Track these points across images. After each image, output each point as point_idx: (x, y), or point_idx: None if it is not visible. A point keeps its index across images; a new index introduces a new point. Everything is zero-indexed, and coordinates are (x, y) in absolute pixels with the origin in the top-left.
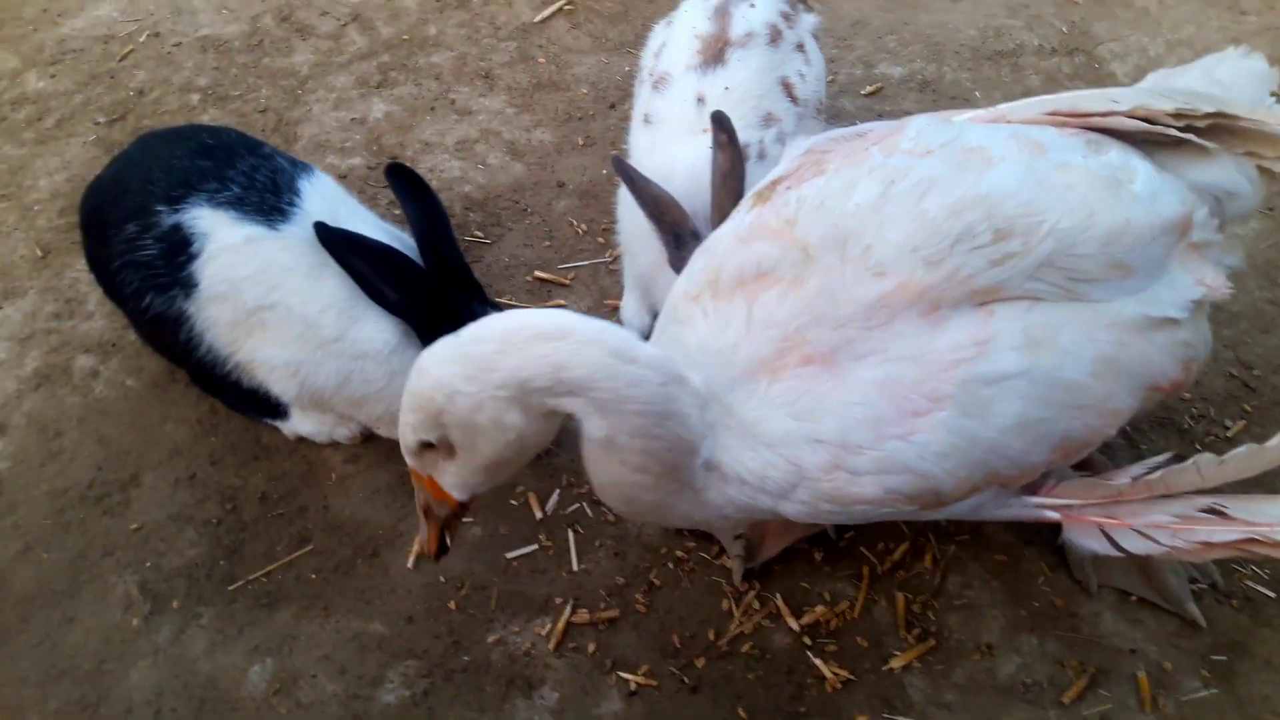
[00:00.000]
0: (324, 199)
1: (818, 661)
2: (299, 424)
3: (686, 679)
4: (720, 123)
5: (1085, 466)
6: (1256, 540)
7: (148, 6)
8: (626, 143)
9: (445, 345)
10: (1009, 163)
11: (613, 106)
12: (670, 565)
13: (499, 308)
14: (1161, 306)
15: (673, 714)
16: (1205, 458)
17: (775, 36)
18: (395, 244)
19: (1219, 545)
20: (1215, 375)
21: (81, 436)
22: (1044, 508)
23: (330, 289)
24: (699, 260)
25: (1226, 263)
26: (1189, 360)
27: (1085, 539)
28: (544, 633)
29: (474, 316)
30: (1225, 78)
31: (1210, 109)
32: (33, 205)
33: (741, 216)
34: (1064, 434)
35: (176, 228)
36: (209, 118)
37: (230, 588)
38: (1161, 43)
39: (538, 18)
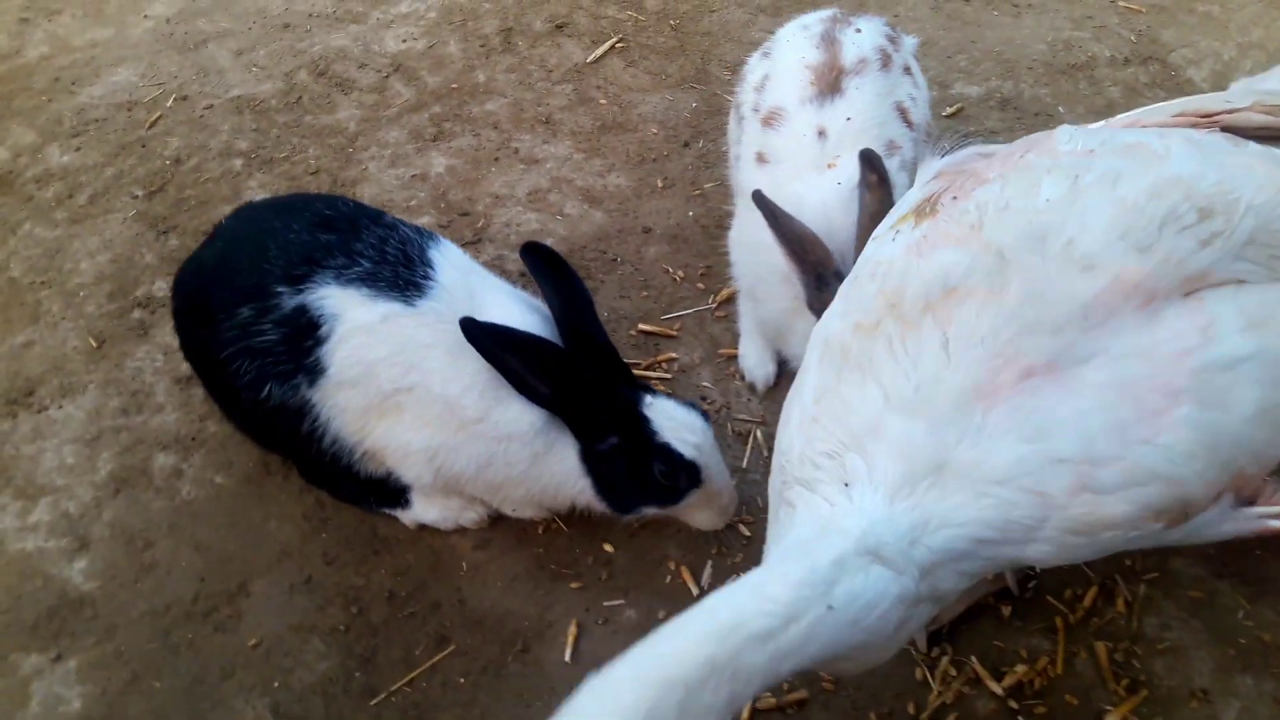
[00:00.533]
0: (456, 269)
1: None
2: (421, 512)
3: None
4: (870, 162)
5: None
6: None
7: (169, 69)
8: (735, 182)
9: None
10: (1181, 151)
11: (686, 145)
12: None
13: (649, 390)
14: None
15: None
16: None
17: (886, 61)
18: (531, 313)
19: None
20: None
21: (175, 544)
22: (1269, 517)
23: (472, 367)
24: (867, 284)
25: None
26: None
27: None
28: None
29: (623, 402)
30: None
31: None
32: (77, 291)
33: (908, 233)
34: None
35: (301, 310)
36: (255, 184)
37: (372, 702)
38: (1233, 46)
39: (590, 58)
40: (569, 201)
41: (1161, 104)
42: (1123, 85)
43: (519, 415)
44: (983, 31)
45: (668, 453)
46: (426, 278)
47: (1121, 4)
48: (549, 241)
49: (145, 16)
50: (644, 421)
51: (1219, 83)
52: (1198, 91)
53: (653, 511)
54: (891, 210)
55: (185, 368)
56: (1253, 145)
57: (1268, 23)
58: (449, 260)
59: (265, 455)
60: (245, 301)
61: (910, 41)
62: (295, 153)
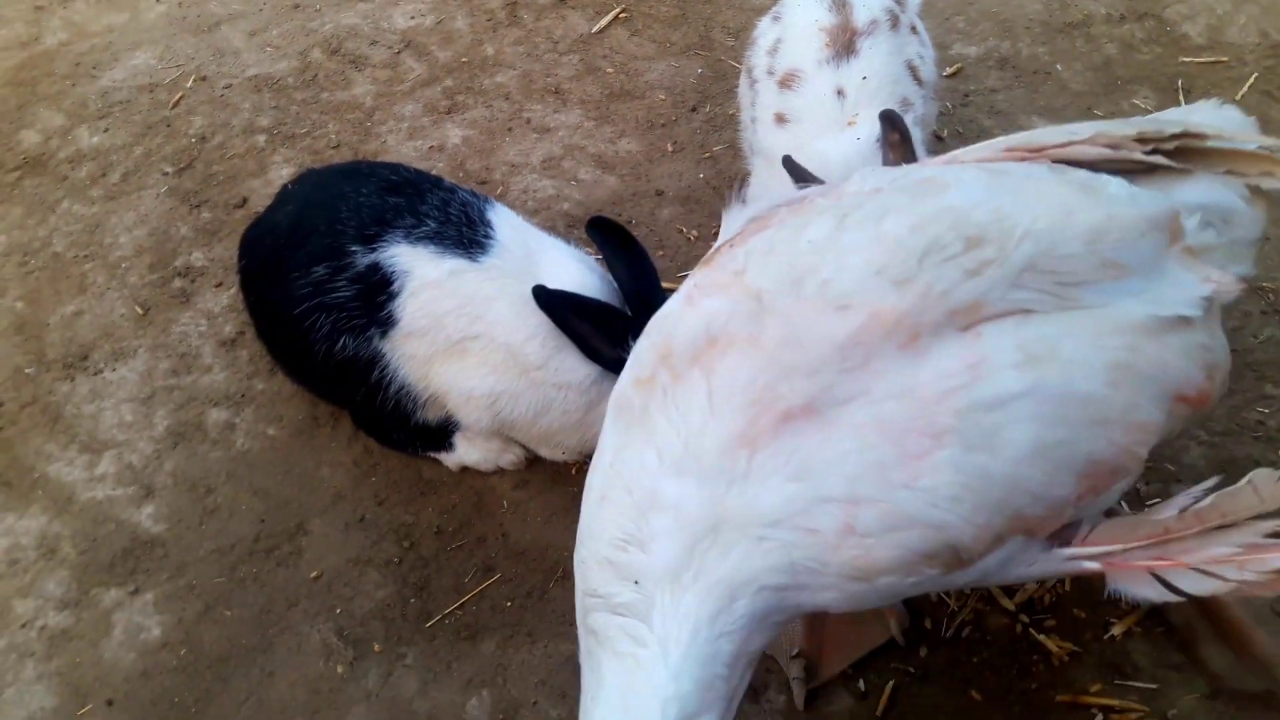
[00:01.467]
0: (514, 229)
1: (1040, 637)
2: (464, 454)
3: (914, 669)
4: (893, 121)
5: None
6: None
7: (186, 51)
8: (750, 141)
9: None
10: (969, 181)
11: (694, 109)
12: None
13: None
14: (1169, 305)
15: (906, 705)
16: (1263, 474)
17: (894, 22)
18: (588, 271)
19: None
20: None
21: (234, 490)
22: (1080, 559)
23: (535, 319)
24: (644, 339)
25: (1234, 270)
26: (1211, 366)
27: (1135, 587)
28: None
29: None
30: (1200, 119)
31: (1175, 130)
32: (119, 263)
33: (687, 284)
34: (1088, 456)
35: (374, 267)
36: (280, 158)
37: (428, 624)
38: (1227, 1)
39: (595, 28)
40: (582, 168)
41: (990, 141)
42: (1119, 42)
43: (577, 365)
44: None
45: None
46: (488, 237)
47: None
48: (564, 206)
49: (157, 1)
50: None
51: (1215, 37)
52: (1193, 45)
53: None
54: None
55: (229, 330)
56: (1073, 173)
57: None
58: (505, 221)
59: (314, 409)
60: (320, 260)
61: (914, 1)
62: (316, 128)
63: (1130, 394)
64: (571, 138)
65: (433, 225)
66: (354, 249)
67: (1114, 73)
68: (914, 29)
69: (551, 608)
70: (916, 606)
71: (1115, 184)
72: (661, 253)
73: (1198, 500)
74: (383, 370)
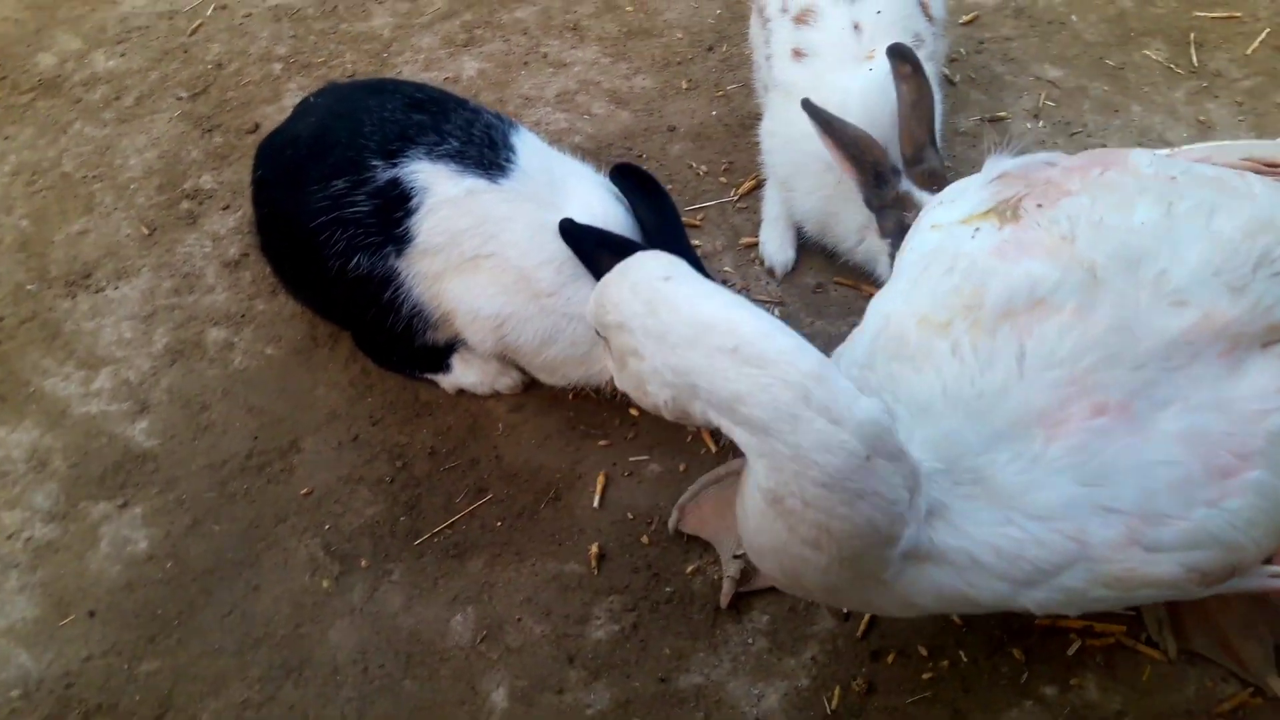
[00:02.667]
0: (538, 155)
1: None
2: (460, 375)
3: None
4: (903, 54)
5: None
6: None
7: None
8: (765, 79)
9: (641, 284)
10: (1267, 193)
11: (710, 49)
12: None
13: None
14: None
15: (887, 625)
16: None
17: None
18: (614, 201)
19: None
20: None
21: (229, 408)
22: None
23: (552, 245)
24: (939, 278)
25: None
26: None
27: None
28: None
29: None
30: None
31: None
32: (128, 184)
33: (990, 233)
34: None
35: (394, 182)
36: (295, 85)
37: (416, 542)
38: None
39: None
40: (596, 103)
41: (1228, 143)
42: None
43: (590, 295)
44: None
45: None
46: (509, 160)
47: None
48: (576, 139)
49: None
50: None
51: None
52: (1207, 1)
53: None
54: (950, 202)
55: (234, 252)
56: None
57: None
58: (530, 147)
59: (313, 329)
60: (341, 174)
61: None
62: (332, 58)
63: None
64: (587, 73)
65: (455, 144)
66: (375, 163)
67: (1128, 25)
68: None
69: (541, 528)
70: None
71: None
72: (671, 186)
73: None
74: (396, 289)
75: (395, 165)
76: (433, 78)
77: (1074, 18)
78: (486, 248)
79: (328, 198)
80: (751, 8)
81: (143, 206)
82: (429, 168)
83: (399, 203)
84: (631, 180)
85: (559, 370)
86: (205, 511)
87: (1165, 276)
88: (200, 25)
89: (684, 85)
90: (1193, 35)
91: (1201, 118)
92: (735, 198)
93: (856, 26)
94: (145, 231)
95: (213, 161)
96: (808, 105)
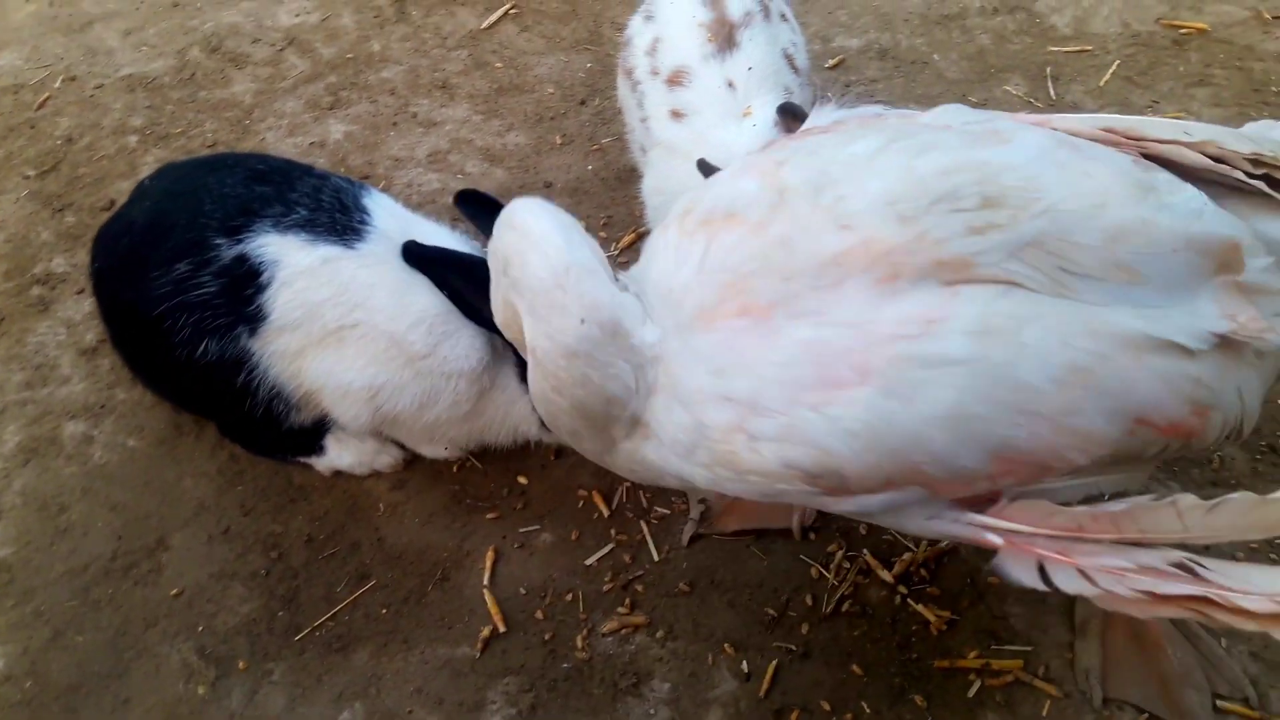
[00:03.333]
0: (392, 215)
1: (919, 607)
2: (337, 457)
3: (795, 647)
4: (792, 112)
5: None
6: (1211, 601)
7: (55, 51)
8: (642, 140)
9: (505, 219)
10: (1029, 144)
11: (582, 103)
12: (748, 546)
13: None
14: (1167, 328)
15: (789, 684)
16: (1188, 500)
17: (766, 11)
18: (471, 252)
19: (1166, 599)
20: None
21: (90, 508)
22: (985, 528)
23: (420, 304)
24: (686, 195)
25: None
26: (1201, 404)
27: (1016, 569)
28: (641, 625)
29: None
30: None
31: None
32: None
33: (741, 159)
34: (1003, 439)
35: (241, 259)
36: (152, 159)
37: (297, 638)
38: None
39: (484, 24)
40: (469, 161)
41: (1096, 115)
42: (991, 33)
43: (468, 350)
44: None
45: None
46: (363, 223)
47: None
48: (449, 201)
49: (26, 0)
50: None
51: (1080, 27)
52: (1060, 36)
53: None
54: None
55: (90, 339)
56: (1147, 171)
57: None
58: (383, 208)
59: (177, 417)
60: (183, 256)
61: None
62: (191, 127)
63: (1075, 398)
64: (459, 131)
65: (304, 212)
66: (219, 241)
67: (987, 62)
68: (784, 16)
69: (429, 612)
70: (796, 584)
71: (1186, 195)
72: None
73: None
74: (250, 372)
75: (240, 241)
76: (298, 143)
77: (936, 57)
78: (351, 317)
79: (170, 282)
80: (619, 70)
81: None
82: (278, 240)
83: (248, 279)
84: (475, 205)
85: (442, 433)
86: (67, 622)
87: (841, 201)
88: (48, 98)
89: (558, 140)
90: (1049, 69)
91: None
92: (615, 252)
93: (730, 84)
94: None
95: (65, 243)
96: (702, 164)
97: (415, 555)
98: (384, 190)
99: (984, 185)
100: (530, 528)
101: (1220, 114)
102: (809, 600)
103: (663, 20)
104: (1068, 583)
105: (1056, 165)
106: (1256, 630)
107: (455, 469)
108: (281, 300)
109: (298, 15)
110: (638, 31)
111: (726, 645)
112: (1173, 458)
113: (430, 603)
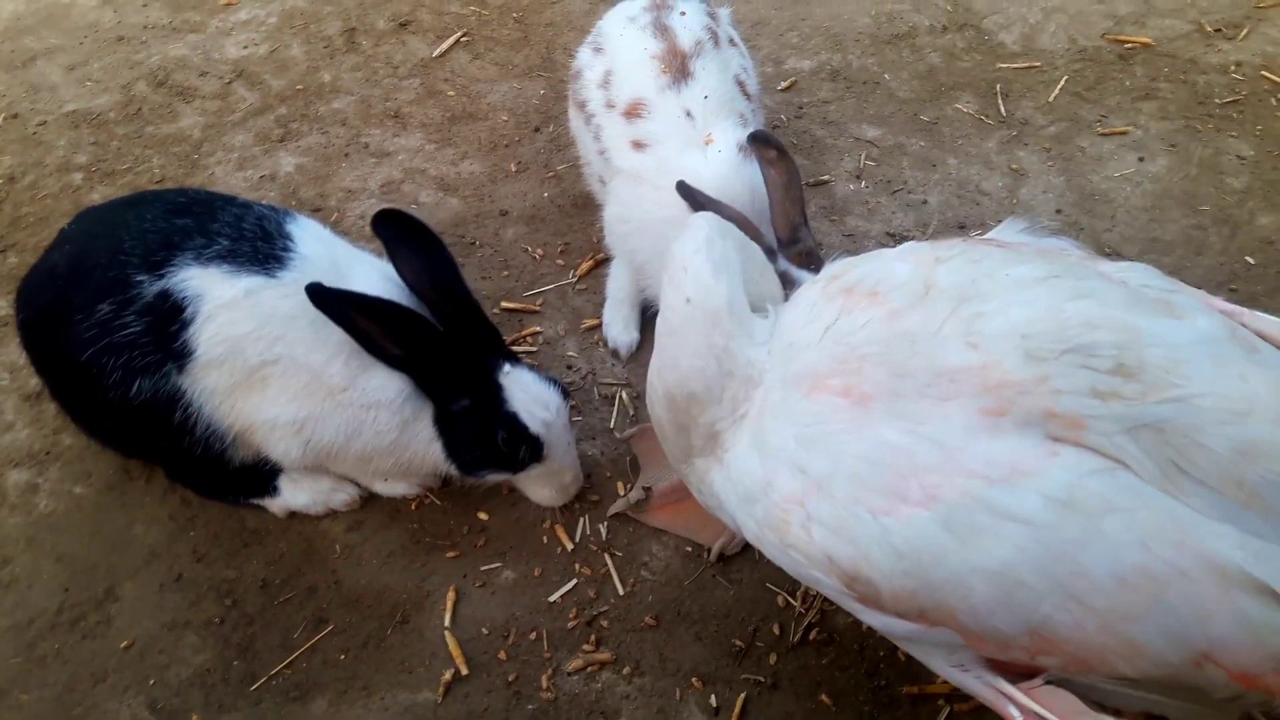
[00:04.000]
0: (318, 241)
1: None
2: (290, 498)
3: (764, 679)
4: (765, 140)
5: None
6: None
7: None
8: (600, 171)
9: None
10: (1191, 324)
11: (537, 130)
12: (715, 576)
13: (513, 358)
14: (1270, 571)
15: (757, 716)
16: None
17: (715, 39)
18: (394, 285)
19: None
20: None
21: (35, 558)
22: (1009, 699)
23: (338, 336)
24: (845, 259)
25: None
26: None
27: None
28: (607, 661)
29: (478, 366)
30: None
31: None
32: None
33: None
34: (1046, 618)
35: (164, 295)
36: (98, 196)
37: (253, 688)
38: (1038, 10)
39: (436, 52)
40: (423, 190)
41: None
42: (941, 51)
43: (385, 381)
44: (811, 9)
45: (513, 423)
46: (287, 250)
47: None
48: None
49: None
50: (496, 389)
51: (1028, 44)
52: (1009, 52)
53: (495, 477)
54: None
55: (34, 384)
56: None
57: None
58: (309, 233)
59: (125, 462)
60: (105, 297)
61: (725, 12)
62: (138, 163)
63: (1135, 604)
64: (412, 161)
65: (225, 243)
66: (140, 278)
67: (938, 80)
68: (732, 41)
69: (389, 656)
70: (764, 613)
71: None
72: (507, 273)
73: None
74: (186, 409)
75: (162, 276)
76: (248, 177)
77: (887, 76)
78: (273, 351)
79: (94, 325)
80: (570, 101)
81: None
82: (200, 273)
83: (172, 315)
84: (395, 227)
85: (373, 464)
86: (12, 680)
87: (979, 319)
88: None
89: (513, 168)
90: (999, 86)
91: (1014, 165)
92: (574, 279)
93: (688, 113)
94: None
95: (7, 284)
96: (682, 187)
97: (374, 597)
98: (335, 223)
99: (1124, 351)
100: (491, 565)
101: (1167, 127)
102: (776, 629)
103: (613, 52)
104: None
105: (1213, 358)
106: None
107: (414, 506)
108: (206, 335)
109: (246, 47)
110: (587, 64)
111: (694, 679)
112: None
113: (390, 646)
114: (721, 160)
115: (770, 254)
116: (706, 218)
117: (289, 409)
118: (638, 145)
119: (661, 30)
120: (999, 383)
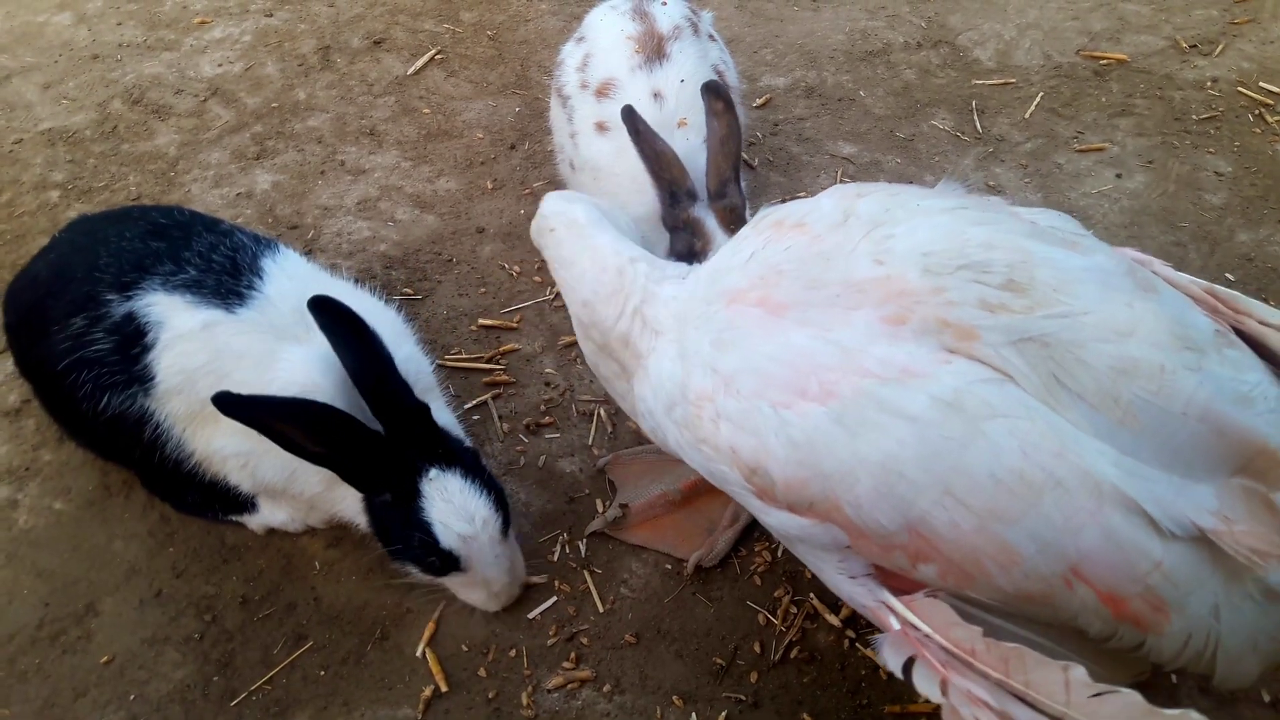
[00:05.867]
0: (291, 278)
1: (868, 651)
2: (269, 515)
3: (745, 697)
4: (716, 91)
5: None
6: None
7: None
8: (570, 155)
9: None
10: (1088, 257)
11: (513, 147)
12: (695, 593)
13: (449, 463)
14: (1142, 491)
15: None
16: (1079, 673)
17: (695, 29)
18: (377, 314)
19: None
20: None
21: (15, 574)
22: (889, 609)
23: (281, 378)
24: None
25: None
26: (1156, 596)
27: (890, 653)
28: (587, 679)
29: (403, 467)
30: None
31: None
32: None
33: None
34: (923, 514)
35: (130, 317)
36: (75, 213)
37: (233, 703)
38: (1012, 27)
39: (410, 70)
40: (400, 208)
41: (1208, 284)
42: (917, 68)
43: None
44: (785, 26)
45: (427, 532)
46: (251, 286)
47: None
48: (381, 248)
49: None
50: (417, 494)
51: (1003, 61)
52: (984, 69)
53: (416, 572)
54: None
55: (14, 399)
56: (1229, 350)
57: (1040, 4)
58: (285, 270)
59: (105, 477)
60: (78, 311)
61: (707, 15)
62: (114, 181)
63: (1010, 507)
64: (388, 178)
65: (193, 272)
66: (110, 297)
67: (913, 96)
68: (711, 37)
69: (369, 672)
70: (744, 631)
71: (1246, 378)
72: (484, 289)
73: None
74: (155, 429)
75: (130, 298)
76: (224, 194)
77: (862, 93)
78: (219, 387)
79: (69, 337)
80: (551, 93)
81: None
82: (164, 299)
83: (136, 338)
84: (328, 318)
85: (317, 509)
86: None
87: (889, 239)
88: None
89: (489, 185)
90: (974, 103)
91: (991, 182)
92: (551, 296)
93: (657, 94)
94: None
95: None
96: (626, 110)
97: (353, 614)
98: (312, 240)
99: (1015, 269)
100: None
101: (1144, 143)
102: (757, 647)
103: (592, 38)
104: (923, 682)
105: (1104, 284)
106: None
107: None
108: (165, 363)
109: (221, 65)
110: (569, 53)
111: (675, 697)
112: (1138, 668)
113: (370, 663)
114: (684, 145)
115: (690, 196)
116: (559, 195)
117: (232, 442)
118: (601, 128)
119: (640, 15)
120: (900, 291)
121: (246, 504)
